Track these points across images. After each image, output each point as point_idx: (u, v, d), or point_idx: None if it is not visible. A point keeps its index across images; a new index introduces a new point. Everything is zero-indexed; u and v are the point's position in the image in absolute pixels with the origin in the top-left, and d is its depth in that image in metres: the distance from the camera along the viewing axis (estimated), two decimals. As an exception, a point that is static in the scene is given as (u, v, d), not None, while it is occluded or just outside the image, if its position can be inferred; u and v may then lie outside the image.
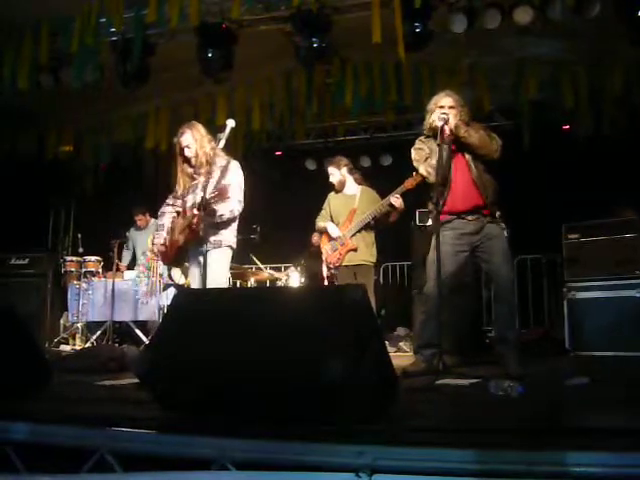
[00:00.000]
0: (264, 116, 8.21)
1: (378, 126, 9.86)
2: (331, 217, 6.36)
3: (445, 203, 4.48)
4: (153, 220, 8.68)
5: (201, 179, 4.82)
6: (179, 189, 5.02)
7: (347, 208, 6.23)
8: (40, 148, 9.16)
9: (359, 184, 6.39)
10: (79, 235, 9.08)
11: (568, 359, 6.20)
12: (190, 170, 4.91)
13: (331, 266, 6.25)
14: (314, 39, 6.23)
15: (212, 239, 4.74)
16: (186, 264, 5.28)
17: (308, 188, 9.28)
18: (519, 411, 2.84)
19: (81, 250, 8.78)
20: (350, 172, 6.36)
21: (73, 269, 8.50)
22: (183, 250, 4.90)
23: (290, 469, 2.02)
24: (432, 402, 3.20)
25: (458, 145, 4.54)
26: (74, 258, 8.70)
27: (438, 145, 4.41)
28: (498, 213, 4.56)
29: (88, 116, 8.83)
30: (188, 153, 4.84)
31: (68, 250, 10.34)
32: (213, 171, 4.79)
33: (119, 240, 8.25)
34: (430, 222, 4.82)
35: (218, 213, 4.66)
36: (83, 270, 8.35)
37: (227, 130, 4.66)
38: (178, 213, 5.04)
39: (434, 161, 4.53)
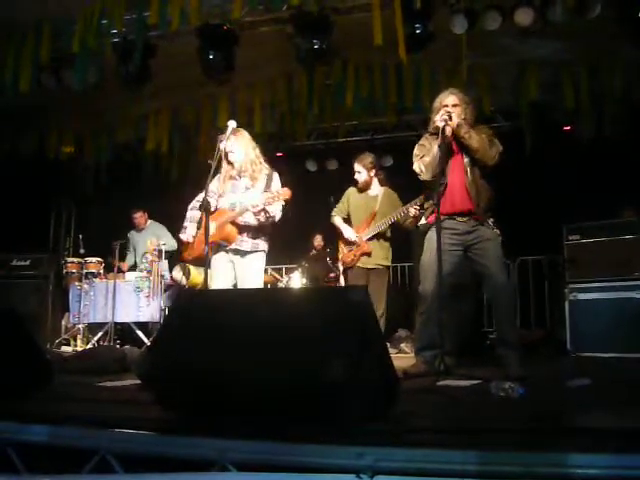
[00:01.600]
0: (265, 117, 8.22)
1: (379, 127, 9.84)
2: (348, 214, 6.34)
3: (439, 203, 4.47)
4: (150, 221, 8.71)
5: (243, 181, 4.98)
6: (217, 188, 5.06)
7: (368, 209, 6.24)
8: (41, 149, 9.17)
9: (382, 185, 6.39)
10: (80, 236, 9.09)
11: (569, 360, 6.21)
12: (233, 172, 5.02)
13: (344, 266, 6.27)
14: (315, 40, 6.23)
15: (252, 241, 4.97)
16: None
17: (309, 189, 9.28)
18: (520, 412, 2.84)
19: (82, 251, 8.78)
20: (376, 172, 6.36)
21: (74, 270, 8.47)
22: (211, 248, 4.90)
23: (291, 470, 2.02)
24: (433, 403, 3.20)
25: (459, 145, 4.55)
26: (75, 259, 8.68)
27: (439, 145, 4.42)
28: (491, 220, 4.55)
29: (89, 117, 8.84)
30: (232, 158, 4.96)
31: (69, 251, 10.33)
32: (257, 178, 4.98)
33: (120, 241, 8.26)
34: (422, 221, 4.81)
35: (271, 214, 4.86)
36: (84, 271, 8.34)
37: (228, 132, 4.69)
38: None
39: (427, 159, 4.55)
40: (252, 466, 2.08)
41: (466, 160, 4.52)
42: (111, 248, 8.13)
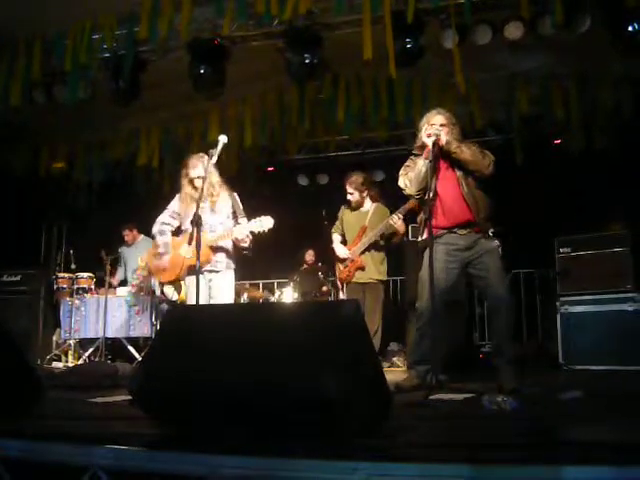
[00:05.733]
0: (256, 132, 8.23)
1: (370, 142, 9.87)
2: (343, 233, 6.49)
3: (435, 218, 4.46)
4: (142, 236, 8.66)
5: (207, 204, 5.15)
6: (181, 210, 5.29)
7: (358, 224, 6.36)
8: (33, 164, 9.15)
9: (374, 201, 6.49)
10: (72, 251, 9.04)
11: (561, 373, 6.21)
12: (196, 195, 5.08)
13: (342, 282, 6.33)
14: (306, 55, 6.26)
15: (226, 261, 5.27)
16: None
17: (300, 204, 9.29)
18: (513, 426, 2.83)
19: (74, 266, 8.74)
20: (368, 191, 6.45)
21: (65, 286, 8.43)
22: (188, 270, 5.14)
23: (284, 485, 2.01)
24: (426, 417, 3.19)
25: (450, 161, 4.54)
26: (66, 275, 8.64)
27: (429, 161, 4.40)
28: (491, 230, 4.54)
29: (81, 132, 8.83)
30: (198, 184, 5.06)
31: (61, 266, 10.28)
32: (219, 199, 5.26)
33: (111, 256, 8.22)
34: (419, 238, 4.81)
35: (249, 243, 5.19)
36: (75, 287, 8.30)
37: (219, 146, 4.70)
38: (173, 232, 5.40)
39: (412, 174, 4.55)
40: (244, 482, 2.07)
41: (459, 174, 4.52)
42: (102, 263, 8.08)
